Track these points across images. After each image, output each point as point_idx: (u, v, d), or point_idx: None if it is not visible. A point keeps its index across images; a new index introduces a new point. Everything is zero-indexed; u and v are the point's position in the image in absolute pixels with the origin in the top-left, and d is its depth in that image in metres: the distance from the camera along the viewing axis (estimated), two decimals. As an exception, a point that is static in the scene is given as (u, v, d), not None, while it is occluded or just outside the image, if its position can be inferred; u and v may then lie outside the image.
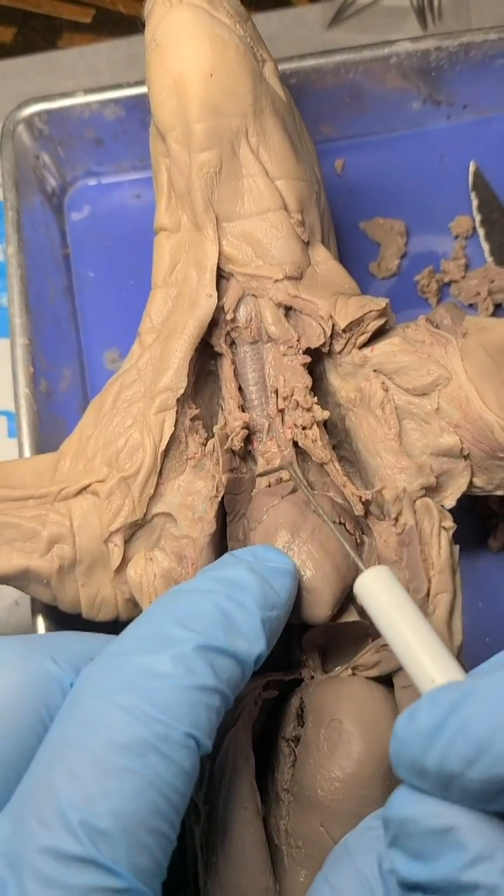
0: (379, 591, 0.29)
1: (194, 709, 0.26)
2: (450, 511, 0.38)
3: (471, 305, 0.51)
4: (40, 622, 0.41)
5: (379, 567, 0.30)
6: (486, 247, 0.52)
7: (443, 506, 0.38)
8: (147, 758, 0.25)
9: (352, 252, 0.53)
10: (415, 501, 0.35)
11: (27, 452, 0.45)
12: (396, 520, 0.35)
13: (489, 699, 0.22)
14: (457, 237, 0.53)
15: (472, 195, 0.53)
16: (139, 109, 0.54)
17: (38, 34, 0.66)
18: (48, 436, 0.46)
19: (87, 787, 0.24)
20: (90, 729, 0.25)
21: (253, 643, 0.29)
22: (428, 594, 0.32)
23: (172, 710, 0.26)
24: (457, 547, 0.34)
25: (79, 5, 0.67)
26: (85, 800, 0.24)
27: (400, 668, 0.33)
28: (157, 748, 0.25)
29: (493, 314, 0.50)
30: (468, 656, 0.44)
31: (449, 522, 0.35)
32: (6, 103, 0.60)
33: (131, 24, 0.66)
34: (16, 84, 0.63)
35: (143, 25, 0.37)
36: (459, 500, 0.38)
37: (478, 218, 0.53)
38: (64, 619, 0.40)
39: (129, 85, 0.54)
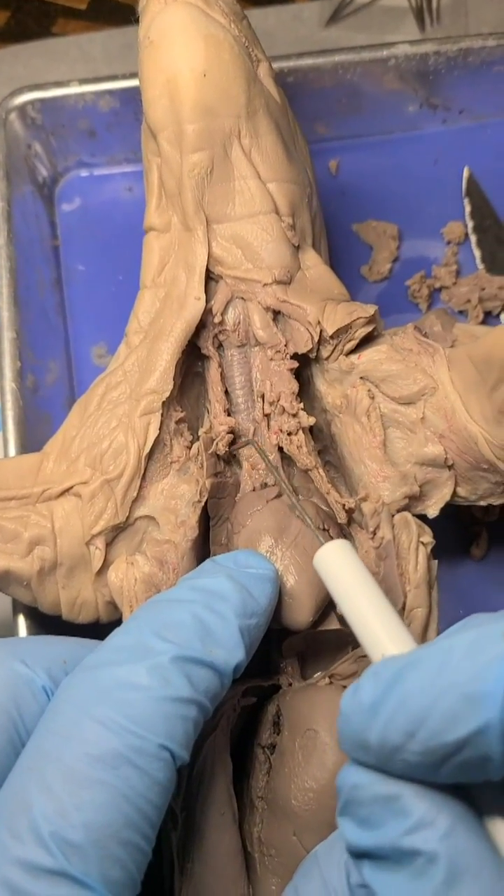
0: (337, 564, 0.30)
1: (170, 720, 0.26)
2: (432, 518, 0.38)
3: (461, 312, 0.51)
4: (21, 622, 0.41)
5: (338, 541, 0.30)
6: (477, 254, 0.52)
7: (426, 514, 0.38)
8: (121, 770, 0.25)
9: (344, 254, 0.52)
10: (393, 515, 0.35)
11: (12, 449, 0.45)
12: (374, 533, 0.34)
13: (427, 671, 0.23)
14: (449, 243, 0.53)
15: (466, 201, 0.53)
16: (134, 101, 0.53)
17: (32, 19, 0.66)
18: (33, 431, 0.46)
19: (59, 800, 0.24)
20: (65, 741, 0.25)
21: (231, 653, 0.29)
22: (404, 608, 0.32)
23: (147, 721, 0.26)
24: (435, 562, 0.34)
25: (74, -9, 0.66)
26: (57, 812, 0.24)
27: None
28: (131, 760, 0.25)
29: (483, 322, 0.50)
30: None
31: (427, 538, 0.35)
32: (-2, 87, 0.59)
33: (127, 13, 0.65)
34: (8, 68, 0.62)
35: (138, 20, 0.36)
36: (443, 508, 0.38)
37: (470, 224, 0.53)
38: (45, 620, 0.39)
39: (125, 77, 0.53)
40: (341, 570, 0.30)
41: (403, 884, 0.22)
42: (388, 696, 0.23)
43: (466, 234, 0.53)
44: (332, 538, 0.34)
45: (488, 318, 0.51)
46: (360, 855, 0.24)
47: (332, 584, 0.30)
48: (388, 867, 0.23)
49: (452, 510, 0.44)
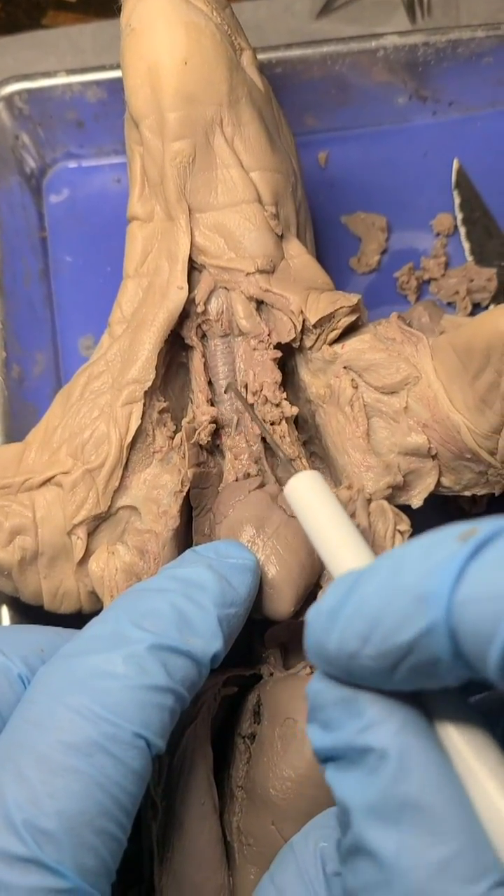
0: (306, 494, 0.30)
1: (145, 709, 0.26)
2: (419, 510, 0.38)
3: (449, 304, 0.51)
4: (4, 611, 0.41)
5: (308, 472, 0.31)
6: (466, 245, 0.52)
7: (410, 505, 0.38)
8: (95, 758, 0.25)
9: (332, 246, 0.52)
10: (370, 503, 0.35)
11: (-4, 440, 0.44)
12: None
13: (382, 575, 0.23)
14: (438, 235, 0.52)
15: (455, 193, 0.53)
16: (122, 92, 0.52)
17: (22, 10, 0.65)
18: (19, 423, 0.46)
19: (33, 788, 0.24)
20: (39, 729, 0.25)
21: (209, 642, 0.29)
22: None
23: (122, 710, 0.26)
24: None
25: (65, -17, 0.66)
26: (30, 800, 0.24)
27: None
28: (105, 748, 0.25)
29: (472, 313, 0.50)
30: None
31: (404, 525, 0.34)
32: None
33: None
34: (-3, 60, 0.62)
35: (120, 10, 0.36)
36: (430, 499, 0.38)
37: (459, 216, 0.52)
38: (29, 609, 0.39)
39: (113, 67, 0.53)
40: (310, 499, 0.30)
41: (358, 780, 0.23)
42: (345, 602, 0.23)
43: (455, 226, 0.52)
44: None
45: (476, 309, 0.51)
46: (324, 759, 0.25)
47: (301, 513, 0.30)
48: (344, 766, 0.24)
49: (439, 501, 0.44)
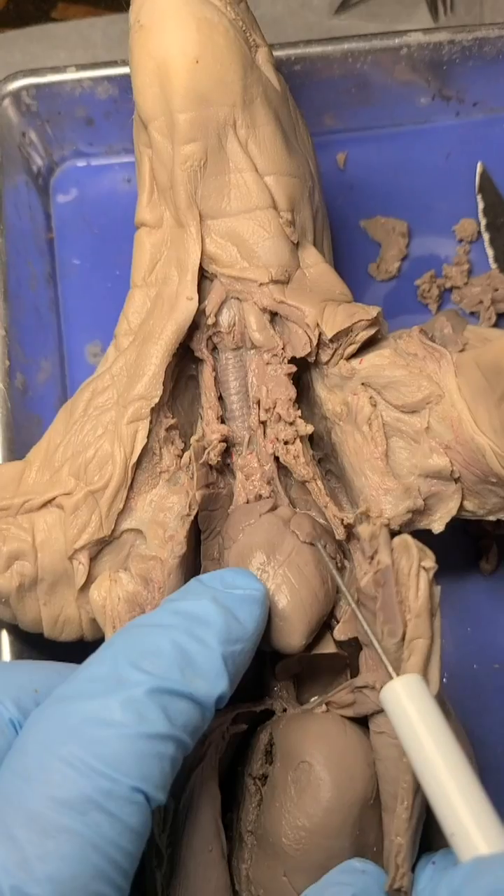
0: (408, 708, 0.26)
1: (144, 760, 0.24)
2: (440, 531, 0.36)
3: (472, 314, 0.49)
4: (4, 638, 0.39)
5: (410, 676, 0.27)
6: (490, 252, 0.50)
7: (431, 530, 0.36)
8: (89, 816, 0.23)
9: (351, 251, 0.51)
10: (393, 538, 0.32)
11: (-2, 454, 0.43)
12: (372, 558, 0.32)
13: None
14: (461, 241, 0.50)
15: (479, 197, 0.51)
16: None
17: (31, 3, 0.64)
18: (22, 435, 0.44)
19: (22, 850, 0.22)
20: (30, 783, 0.23)
21: (213, 683, 0.27)
22: (403, 638, 0.30)
23: (119, 762, 0.24)
24: (438, 588, 0.32)
25: (75, -24, 0.64)
26: (19, 864, 0.22)
27: (376, 712, 0.31)
28: (100, 805, 0.23)
29: (496, 324, 0.48)
30: (455, 682, 0.42)
31: (429, 562, 0.32)
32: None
33: (130, -1, 0.63)
34: (5, 54, 0.60)
35: (129, 4, 0.34)
36: (450, 522, 0.36)
37: (483, 222, 0.50)
38: (30, 636, 0.38)
39: (124, 62, 0.51)
40: (413, 716, 0.26)
41: None
42: None
43: (479, 232, 0.51)
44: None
45: (501, 319, 0.49)
46: None
47: (405, 734, 0.26)
48: None
49: (462, 522, 0.42)
